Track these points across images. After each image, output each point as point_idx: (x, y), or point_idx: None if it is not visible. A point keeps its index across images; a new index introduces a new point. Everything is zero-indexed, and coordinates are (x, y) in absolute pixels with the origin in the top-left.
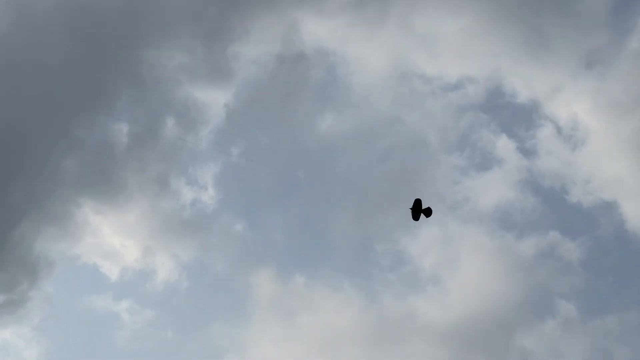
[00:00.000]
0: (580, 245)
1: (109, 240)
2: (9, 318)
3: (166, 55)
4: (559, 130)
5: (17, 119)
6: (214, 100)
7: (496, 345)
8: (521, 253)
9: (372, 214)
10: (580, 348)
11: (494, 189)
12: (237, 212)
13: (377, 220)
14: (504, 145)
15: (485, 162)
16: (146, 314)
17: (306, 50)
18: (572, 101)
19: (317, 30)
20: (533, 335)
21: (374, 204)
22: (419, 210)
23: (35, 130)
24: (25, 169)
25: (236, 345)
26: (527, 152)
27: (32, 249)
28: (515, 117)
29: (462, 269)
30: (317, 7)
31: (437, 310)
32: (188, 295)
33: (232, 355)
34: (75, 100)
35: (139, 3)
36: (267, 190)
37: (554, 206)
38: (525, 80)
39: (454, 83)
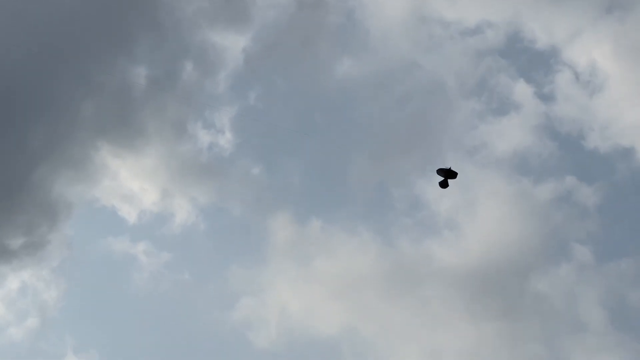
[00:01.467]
0: (597, 190)
1: (127, 183)
2: (29, 260)
3: None
4: (577, 75)
5: (37, 63)
6: (233, 44)
7: (511, 289)
8: (538, 198)
9: (389, 158)
10: (595, 292)
11: (512, 134)
12: (254, 156)
13: (394, 164)
14: (522, 91)
15: (503, 107)
16: (163, 257)
17: None
18: (591, 46)
19: None
20: (548, 279)
21: (391, 149)
22: (445, 175)
23: (55, 74)
24: (44, 112)
25: (252, 288)
26: (545, 98)
27: (51, 192)
28: (533, 62)
29: (478, 213)
30: None
31: (453, 255)
32: (205, 238)
33: (248, 298)
34: (95, 44)
35: None
36: (284, 134)
37: (571, 151)
38: (545, 25)
39: (472, 28)
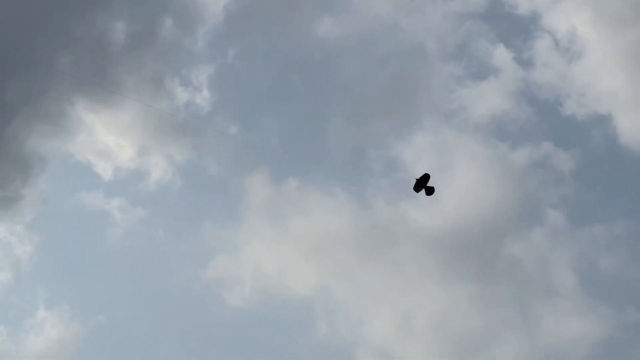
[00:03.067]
0: (573, 156)
1: (103, 139)
2: (3, 214)
3: None
4: (556, 42)
5: (13, 16)
6: (213, 1)
7: (485, 252)
8: (514, 163)
9: (367, 120)
10: (567, 256)
11: (490, 99)
12: (232, 115)
13: (372, 126)
14: (501, 56)
15: (482, 71)
16: (138, 213)
17: None
18: (571, 13)
19: None
20: (522, 243)
21: (370, 110)
22: (423, 184)
23: (31, 28)
24: (20, 65)
25: (227, 246)
26: (524, 63)
27: (25, 146)
28: (513, 27)
29: (454, 176)
30: None
31: (429, 217)
32: (181, 195)
33: (223, 256)
34: None
35: None
36: (262, 93)
37: (548, 118)
38: None
39: None
